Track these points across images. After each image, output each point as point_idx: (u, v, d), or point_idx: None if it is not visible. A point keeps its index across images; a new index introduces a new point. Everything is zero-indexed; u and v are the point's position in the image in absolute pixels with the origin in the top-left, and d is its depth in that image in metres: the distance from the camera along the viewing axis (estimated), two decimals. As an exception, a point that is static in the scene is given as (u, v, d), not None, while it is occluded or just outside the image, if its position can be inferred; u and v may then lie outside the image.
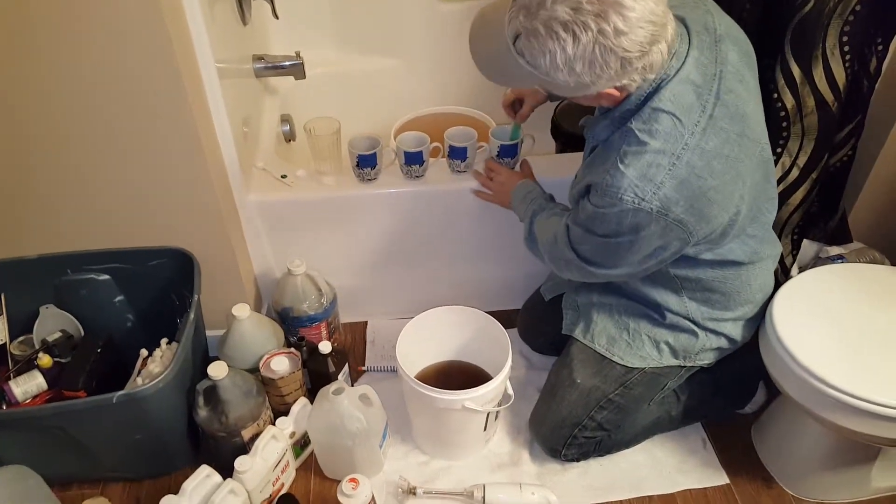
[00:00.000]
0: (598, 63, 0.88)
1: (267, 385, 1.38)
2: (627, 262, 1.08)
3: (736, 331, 1.27)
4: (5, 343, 1.36)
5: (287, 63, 1.62)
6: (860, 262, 1.43)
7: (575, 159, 1.36)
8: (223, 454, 1.28)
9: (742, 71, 1.03)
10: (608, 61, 0.88)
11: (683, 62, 0.97)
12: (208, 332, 1.48)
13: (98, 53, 1.10)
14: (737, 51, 1.04)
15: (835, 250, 1.46)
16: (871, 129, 1.41)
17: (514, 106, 1.40)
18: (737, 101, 1.00)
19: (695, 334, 1.26)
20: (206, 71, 1.22)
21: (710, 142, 0.97)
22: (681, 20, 1.00)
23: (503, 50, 0.94)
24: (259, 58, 1.60)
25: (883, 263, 1.43)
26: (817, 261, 1.47)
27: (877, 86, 1.34)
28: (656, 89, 0.98)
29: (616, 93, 0.97)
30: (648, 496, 1.36)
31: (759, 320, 1.29)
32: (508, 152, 1.43)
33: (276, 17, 1.67)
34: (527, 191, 1.35)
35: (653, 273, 1.19)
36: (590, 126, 1.11)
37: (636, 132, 0.98)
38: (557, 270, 1.23)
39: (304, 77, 1.64)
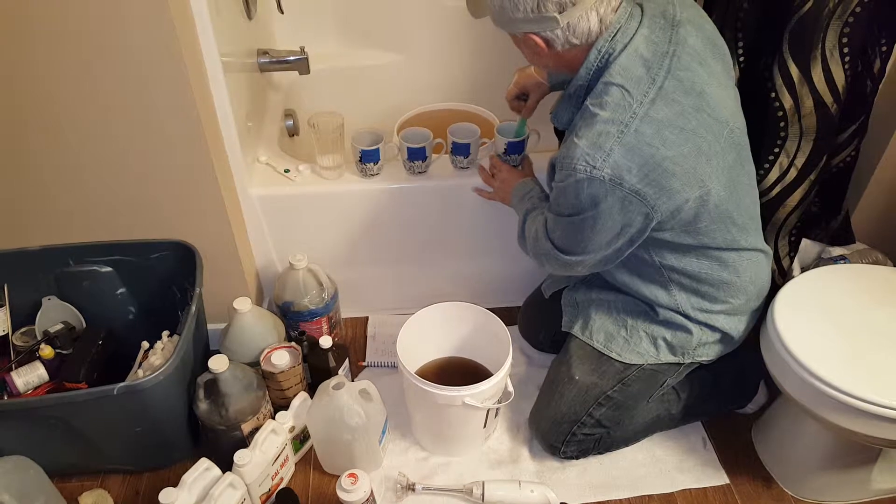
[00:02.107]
0: None
1: (267, 379, 1.38)
2: (596, 245, 1.09)
3: (730, 324, 1.26)
4: (7, 334, 1.36)
5: (292, 58, 1.61)
6: (862, 262, 1.42)
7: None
8: (223, 447, 1.28)
9: (704, 55, 1.05)
10: None
11: (631, 38, 1.02)
12: (209, 326, 1.49)
13: (103, 45, 1.10)
14: (700, 37, 1.06)
15: (837, 251, 1.46)
16: (875, 130, 1.41)
17: (520, 98, 1.40)
18: (693, 78, 1.02)
19: (688, 330, 1.26)
20: (210, 64, 1.23)
21: (660, 112, 0.99)
22: (639, 5, 1.05)
23: None
24: (263, 52, 1.60)
25: (885, 265, 1.43)
26: (819, 261, 1.46)
27: (880, 87, 1.33)
28: (605, 64, 1.03)
29: (541, 43, 1.04)
30: (648, 495, 1.36)
31: (756, 316, 1.29)
32: (515, 149, 1.42)
33: (282, 12, 1.67)
34: (526, 190, 1.35)
35: (640, 267, 1.21)
36: (554, 113, 1.16)
37: (590, 107, 1.03)
38: (541, 265, 1.25)
39: (308, 72, 1.64)
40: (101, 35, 1.09)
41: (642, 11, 1.05)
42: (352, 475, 1.20)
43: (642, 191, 1.01)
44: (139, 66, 1.13)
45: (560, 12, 0.98)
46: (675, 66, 1.02)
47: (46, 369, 1.32)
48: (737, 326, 1.27)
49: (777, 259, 1.48)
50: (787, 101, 1.28)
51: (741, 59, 1.33)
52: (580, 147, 1.00)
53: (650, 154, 0.99)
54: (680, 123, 1.00)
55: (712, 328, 1.26)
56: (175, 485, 1.17)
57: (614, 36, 1.02)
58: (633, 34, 1.02)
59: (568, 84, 1.10)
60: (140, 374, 1.33)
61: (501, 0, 1.01)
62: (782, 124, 1.30)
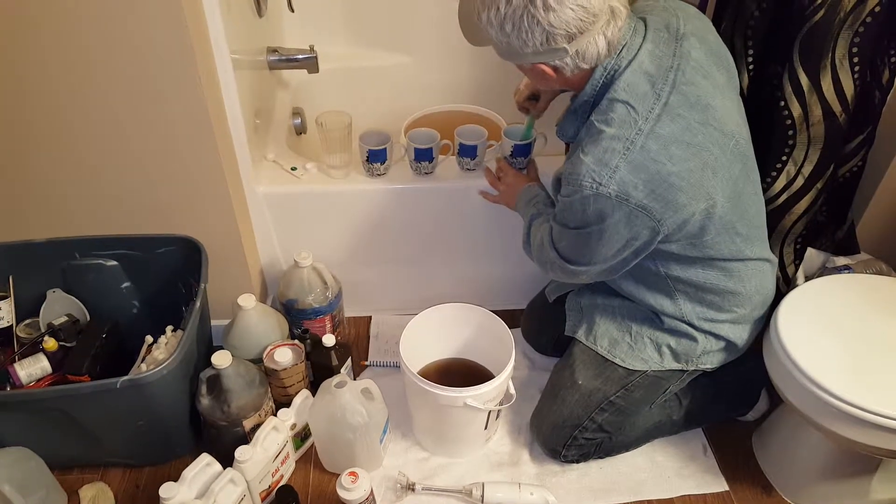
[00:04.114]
0: (524, 29, 0.97)
1: (270, 376, 1.38)
2: (602, 256, 1.10)
3: (735, 333, 1.27)
4: (12, 325, 1.37)
5: (301, 56, 1.62)
6: (867, 273, 1.42)
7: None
8: (224, 443, 1.29)
9: (708, 68, 1.05)
10: (533, 30, 0.96)
11: (636, 54, 1.02)
12: (213, 322, 1.49)
13: (113, 40, 1.10)
14: (703, 49, 1.06)
15: (842, 261, 1.46)
16: (882, 140, 1.41)
17: (531, 99, 1.40)
18: (698, 92, 1.02)
19: (693, 338, 1.26)
20: (220, 61, 1.23)
21: (665, 127, 0.99)
22: (642, 20, 1.05)
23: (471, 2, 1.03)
24: (273, 50, 1.60)
25: (890, 275, 1.43)
26: (824, 270, 1.46)
27: (889, 97, 1.33)
28: (611, 80, 1.03)
29: (550, 71, 1.04)
30: (647, 500, 1.36)
31: (760, 324, 1.29)
32: (522, 152, 1.43)
33: (292, 11, 1.68)
34: (531, 195, 1.35)
35: (645, 277, 1.21)
36: (559, 126, 1.16)
37: (595, 123, 1.03)
38: (545, 273, 1.25)
39: (317, 71, 1.65)
40: (112, 30, 1.09)
41: (646, 26, 1.05)
42: (352, 474, 1.20)
43: (648, 206, 1.01)
44: (150, 62, 1.13)
45: (569, 42, 0.98)
46: (679, 80, 1.02)
47: (49, 361, 1.32)
48: (741, 335, 1.28)
49: (782, 266, 1.48)
50: (796, 110, 1.28)
51: (751, 67, 1.33)
52: (586, 163, 1.00)
53: (656, 170, 0.99)
54: (686, 139, 1.00)
55: (717, 337, 1.26)
56: (176, 479, 1.17)
57: (619, 52, 1.02)
58: (638, 50, 1.02)
59: (573, 98, 1.11)
60: (143, 369, 1.33)
61: (508, 38, 0.99)
62: (791, 132, 1.30)
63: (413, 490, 1.35)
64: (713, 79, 1.05)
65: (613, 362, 1.30)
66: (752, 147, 1.15)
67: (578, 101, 1.09)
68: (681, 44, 1.04)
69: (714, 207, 1.05)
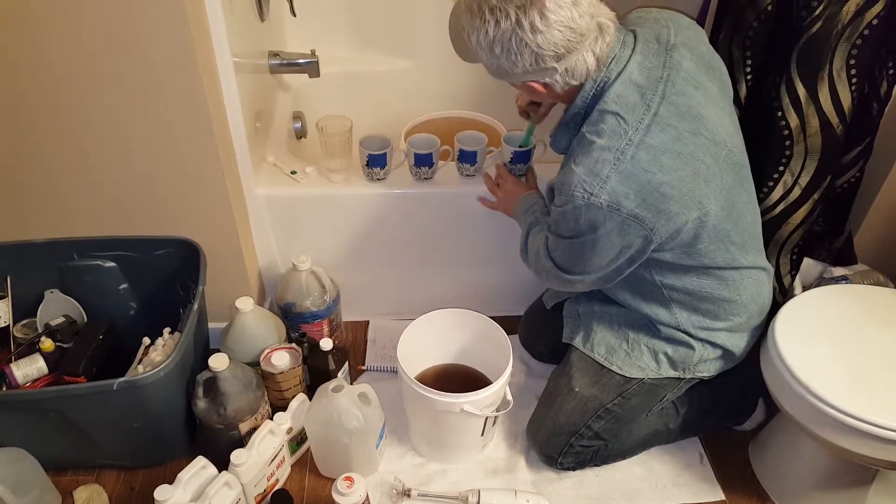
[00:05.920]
0: (513, 51, 0.99)
1: (266, 379, 1.38)
2: (596, 266, 1.11)
3: (732, 341, 1.27)
4: (8, 325, 1.36)
5: (302, 61, 1.63)
6: (864, 283, 1.43)
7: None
8: (219, 446, 1.28)
9: (699, 78, 1.06)
10: (522, 52, 0.98)
11: (625, 66, 1.03)
12: (211, 324, 1.48)
13: (115, 41, 1.11)
14: (694, 60, 1.07)
15: (839, 271, 1.46)
16: (880, 152, 1.41)
17: (533, 104, 1.41)
18: (689, 102, 1.03)
19: (690, 346, 1.26)
20: (222, 64, 1.23)
21: (655, 138, 1.00)
22: (632, 32, 1.07)
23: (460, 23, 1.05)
24: (275, 54, 1.61)
25: (886, 286, 1.43)
26: (821, 281, 1.47)
27: (886, 109, 1.34)
28: (601, 92, 1.04)
29: (540, 88, 1.06)
30: (643, 508, 1.36)
31: (758, 333, 1.29)
32: (521, 158, 1.43)
33: (294, 15, 1.68)
34: (530, 203, 1.36)
35: (641, 286, 1.21)
36: (553, 137, 1.17)
37: (586, 134, 1.04)
38: (542, 281, 1.26)
39: (318, 75, 1.65)
40: (114, 33, 1.09)
41: (635, 38, 1.06)
42: (348, 478, 1.20)
43: (640, 215, 1.01)
44: (152, 64, 1.14)
45: (558, 61, 1.00)
46: (669, 90, 1.02)
47: (46, 362, 1.32)
48: (738, 343, 1.28)
49: (778, 277, 1.49)
50: (794, 121, 1.28)
51: (749, 77, 1.34)
52: (577, 174, 1.02)
53: (647, 180, 1.00)
54: (677, 148, 1.01)
55: (714, 345, 1.27)
56: (171, 482, 1.17)
57: (609, 65, 1.03)
58: (627, 61, 1.03)
59: (566, 110, 1.12)
60: (140, 370, 1.33)
61: (498, 60, 1.01)
62: (788, 143, 1.31)
63: (409, 496, 1.34)
64: (704, 89, 1.06)
65: (610, 370, 1.30)
66: (747, 156, 1.16)
67: (570, 113, 1.10)
68: (671, 55, 1.05)
69: (707, 216, 1.06)
